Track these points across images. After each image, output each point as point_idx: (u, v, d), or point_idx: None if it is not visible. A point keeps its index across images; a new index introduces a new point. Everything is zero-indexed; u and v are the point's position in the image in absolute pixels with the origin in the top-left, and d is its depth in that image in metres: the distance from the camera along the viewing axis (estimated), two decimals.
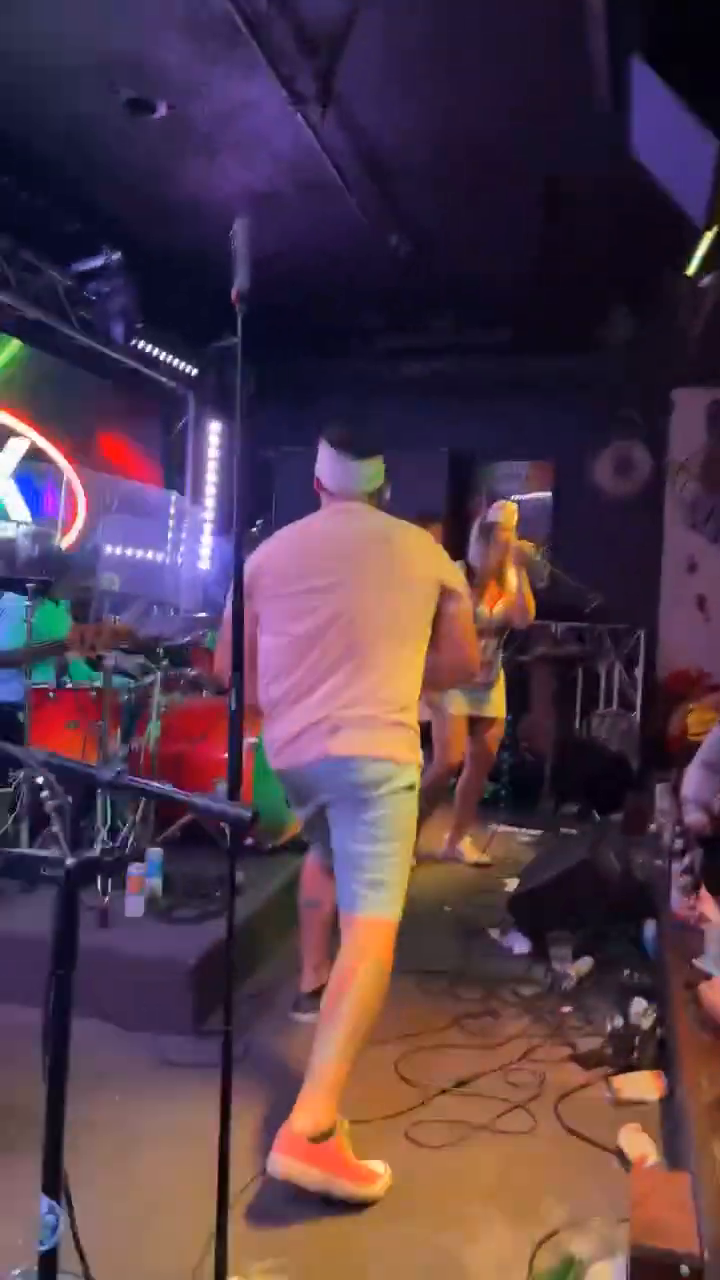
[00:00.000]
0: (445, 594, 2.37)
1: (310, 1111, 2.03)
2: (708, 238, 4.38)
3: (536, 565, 5.44)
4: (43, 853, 1.02)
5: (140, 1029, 2.68)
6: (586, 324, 5.97)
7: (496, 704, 4.42)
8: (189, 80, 3.80)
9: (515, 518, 4.33)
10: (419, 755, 2.34)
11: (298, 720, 2.28)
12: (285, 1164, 1.98)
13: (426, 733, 4.28)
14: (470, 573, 4.11)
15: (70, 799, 1.03)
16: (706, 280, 4.88)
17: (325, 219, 4.98)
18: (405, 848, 2.30)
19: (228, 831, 3.07)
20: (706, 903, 3.00)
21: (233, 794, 1.57)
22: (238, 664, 1.62)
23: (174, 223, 5.03)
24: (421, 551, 2.40)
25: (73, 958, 1.02)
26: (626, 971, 3.08)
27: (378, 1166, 2.08)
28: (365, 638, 2.26)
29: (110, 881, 3.10)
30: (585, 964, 3.16)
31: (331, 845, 2.35)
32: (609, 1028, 2.76)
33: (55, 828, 1.01)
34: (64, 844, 1.00)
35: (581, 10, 3.04)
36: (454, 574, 2.43)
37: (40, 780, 1.05)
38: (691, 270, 4.81)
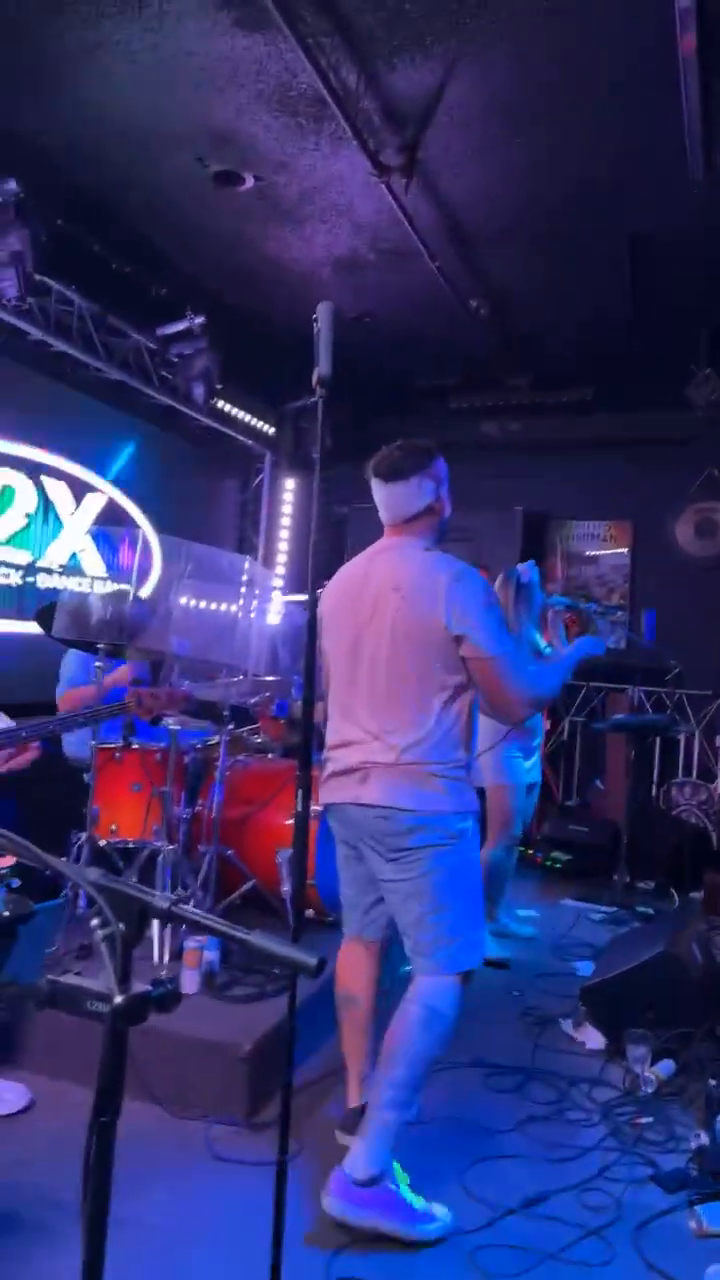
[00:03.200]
0: (457, 640, 2.18)
1: (361, 1157, 2.13)
2: None
3: (587, 617, 5.27)
4: (90, 984, 0.95)
5: (191, 1115, 2.57)
6: (670, 383, 5.86)
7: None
8: (277, 154, 3.86)
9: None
10: (460, 804, 2.22)
11: (338, 763, 2.31)
12: (335, 1205, 2.12)
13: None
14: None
15: (122, 926, 0.95)
16: None
17: (406, 283, 5.00)
18: (453, 906, 2.22)
19: (291, 921, 2.97)
20: None
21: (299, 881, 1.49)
22: (306, 732, 1.54)
23: (257, 287, 5.12)
24: (432, 594, 2.20)
25: (117, 1103, 0.94)
26: (714, 1081, 2.84)
27: (438, 1210, 2.16)
28: (385, 685, 2.24)
29: (167, 952, 3.04)
30: (666, 1069, 2.94)
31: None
32: (694, 1144, 2.54)
33: (105, 958, 0.93)
34: (113, 978, 0.92)
35: (673, 68, 2.99)
36: (462, 617, 2.18)
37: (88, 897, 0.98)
38: None
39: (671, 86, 3.12)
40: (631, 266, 4.70)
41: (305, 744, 1.49)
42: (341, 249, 4.73)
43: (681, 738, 6.46)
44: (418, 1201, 2.16)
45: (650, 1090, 2.85)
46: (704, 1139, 2.53)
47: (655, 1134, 2.66)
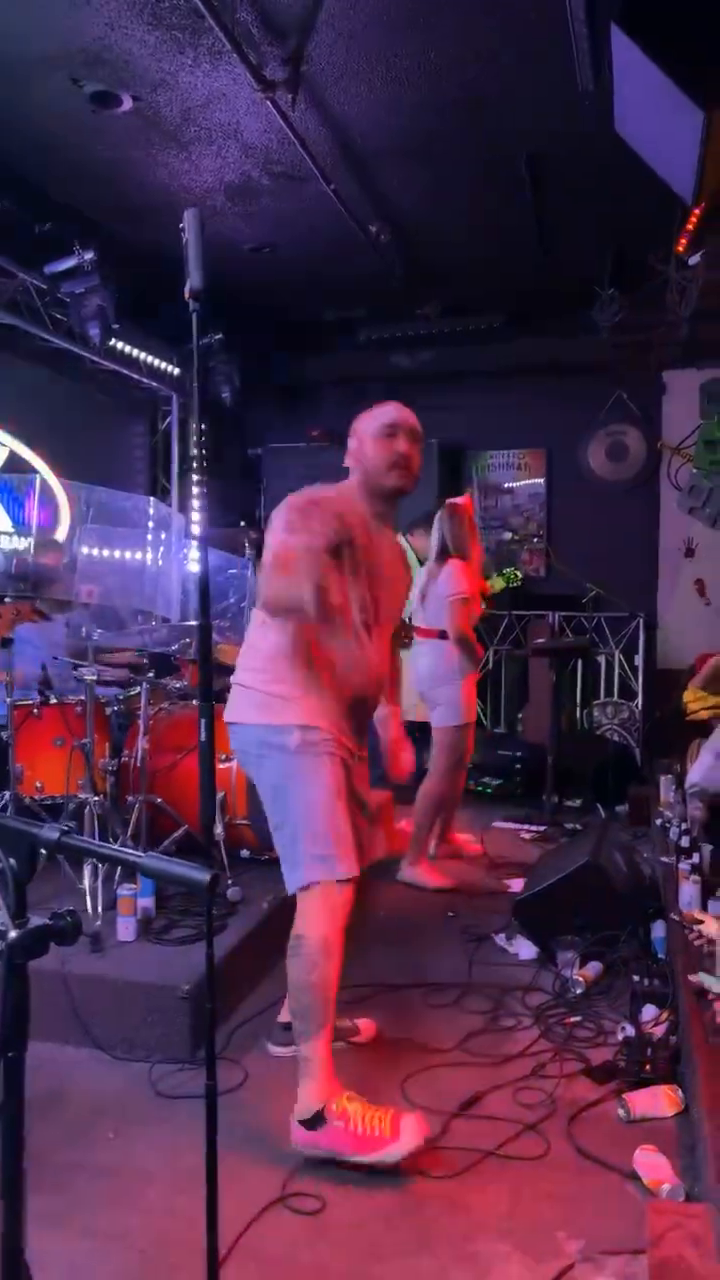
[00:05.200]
0: None
1: (300, 1097, 2.17)
2: (695, 214, 4.27)
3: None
4: None
5: (134, 1058, 2.59)
6: (578, 308, 5.85)
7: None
8: (154, 72, 3.67)
9: (462, 505, 4.31)
10: (273, 717, 2.28)
11: None
12: (296, 1147, 2.16)
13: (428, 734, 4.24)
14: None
15: (13, 862, 0.93)
16: (695, 259, 4.75)
17: (303, 209, 4.85)
18: (287, 812, 2.28)
19: (223, 851, 2.98)
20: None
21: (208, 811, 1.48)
22: (205, 690, 1.52)
23: (147, 218, 4.90)
24: None
25: (23, 1037, 0.92)
26: (636, 977, 2.98)
27: (405, 1127, 2.12)
28: None
29: (101, 903, 3.02)
30: (593, 970, 3.06)
31: None
32: (620, 1037, 2.67)
33: None
34: (7, 914, 0.90)
35: None
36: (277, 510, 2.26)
37: None
38: (680, 249, 4.68)
39: None
40: (532, 186, 4.64)
41: (205, 679, 1.47)
42: (232, 174, 4.55)
43: (602, 659, 6.63)
44: (377, 1123, 2.12)
45: (579, 991, 2.97)
46: (630, 1031, 2.65)
47: (585, 1031, 2.78)
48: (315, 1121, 2.13)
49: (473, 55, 3.57)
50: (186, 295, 1.44)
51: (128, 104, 3.89)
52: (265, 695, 2.29)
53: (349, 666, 2.25)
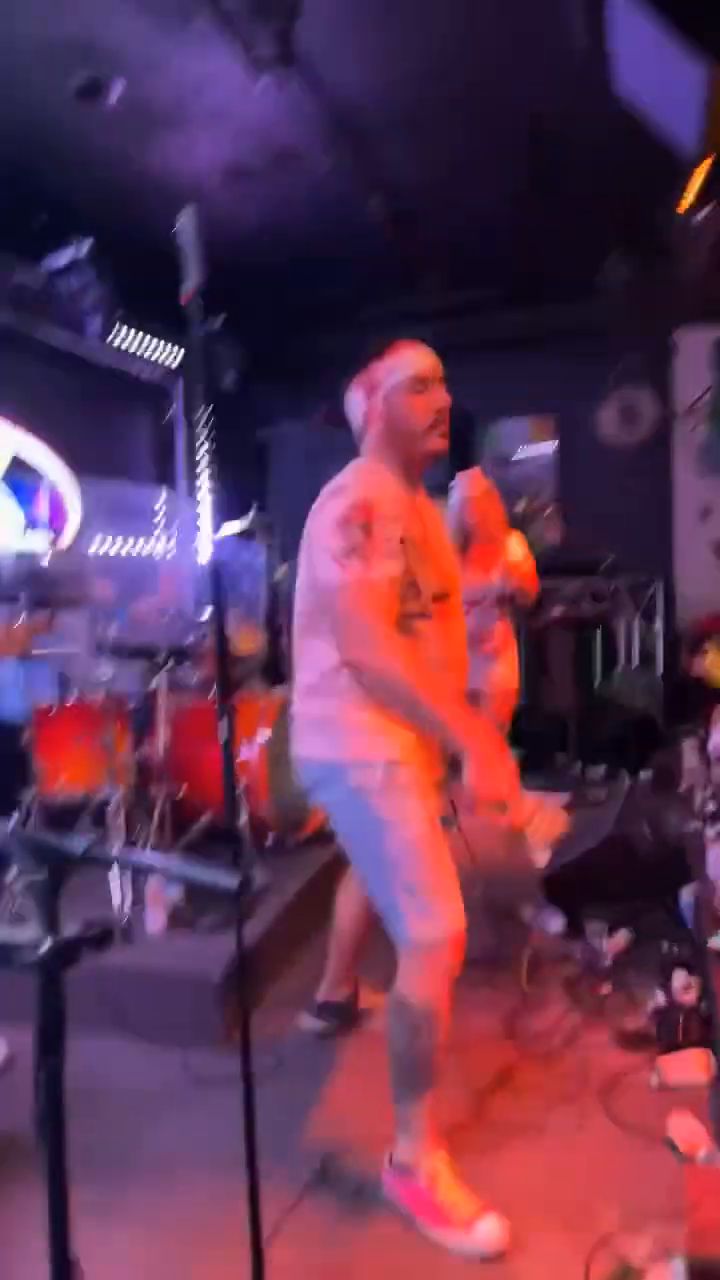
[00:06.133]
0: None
1: (397, 1143, 2.04)
2: (701, 169, 4.18)
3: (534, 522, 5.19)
4: (17, 937, 0.94)
5: (168, 1045, 2.64)
6: (581, 272, 5.76)
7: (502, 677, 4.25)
8: (145, 57, 3.62)
9: (482, 484, 4.16)
10: (347, 751, 1.96)
11: None
12: (384, 1180, 2.05)
13: None
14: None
15: (43, 876, 0.95)
16: (702, 215, 4.66)
17: (302, 188, 4.79)
18: (375, 862, 1.99)
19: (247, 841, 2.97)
20: None
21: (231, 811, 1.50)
22: (224, 683, 1.53)
23: (145, 205, 4.85)
24: (319, 502, 2.00)
25: (60, 1046, 0.94)
26: (665, 944, 3.00)
27: (482, 1226, 1.89)
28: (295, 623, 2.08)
29: (130, 896, 3.06)
30: (622, 939, 3.09)
31: None
32: (651, 1006, 2.69)
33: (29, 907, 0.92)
34: (41, 925, 0.92)
35: None
36: (319, 524, 1.95)
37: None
38: (686, 205, 4.59)
39: None
40: (530, 148, 4.55)
41: (224, 676, 1.48)
42: (228, 155, 4.49)
43: (621, 626, 6.59)
44: (458, 1206, 1.95)
45: (608, 962, 2.99)
46: (661, 999, 2.67)
47: (616, 1000, 2.80)
48: (403, 1170, 2.02)
49: (467, 21, 3.50)
50: (183, 298, 1.43)
51: (120, 91, 3.85)
52: (337, 724, 1.97)
53: (438, 666, 1.96)
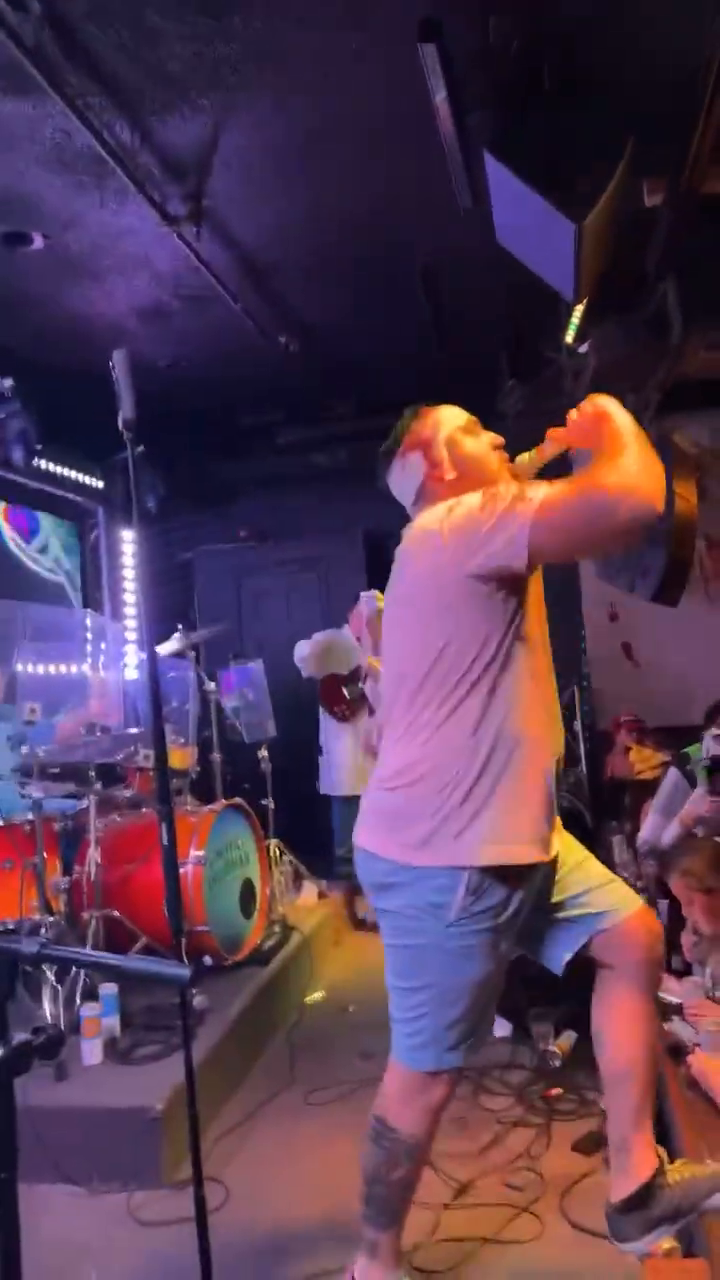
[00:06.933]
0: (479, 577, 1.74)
1: (359, 1265, 1.90)
2: (579, 310, 4.62)
3: None
4: None
5: (109, 1190, 2.48)
6: (482, 398, 6.15)
7: None
8: (64, 213, 3.87)
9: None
10: (429, 855, 1.68)
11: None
12: None
13: None
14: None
15: None
16: (584, 347, 5.10)
17: (214, 326, 5.09)
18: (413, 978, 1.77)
19: (183, 959, 2.94)
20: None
21: (178, 924, 1.50)
22: (164, 790, 1.55)
23: (65, 343, 5.08)
24: (420, 545, 1.82)
25: (14, 1159, 0.93)
26: None
27: None
28: (387, 696, 1.82)
29: (63, 1022, 2.92)
30: (568, 1038, 3.07)
31: None
32: (602, 1104, 2.66)
33: None
34: None
35: (429, 112, 3.21)
36: (462, 523, 1.76)
37: None
38: (570, 339, 5.03)
39: (431, 128, 3.35)
40: (427, 295, 4.96)
41: (163, 779, 1.50)
42: (144, 299, 4.77)
43: None
44: None
45: (557, 1064, 2.96)
46: None
47: (568, 1102, 2.77)
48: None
49: (361, 182, 3.87)
50: (121, 427, 1.53)
51: (39, 243, 4.09)
52: (426, 817, 1.69)
53: (546, 732, 1.77)
